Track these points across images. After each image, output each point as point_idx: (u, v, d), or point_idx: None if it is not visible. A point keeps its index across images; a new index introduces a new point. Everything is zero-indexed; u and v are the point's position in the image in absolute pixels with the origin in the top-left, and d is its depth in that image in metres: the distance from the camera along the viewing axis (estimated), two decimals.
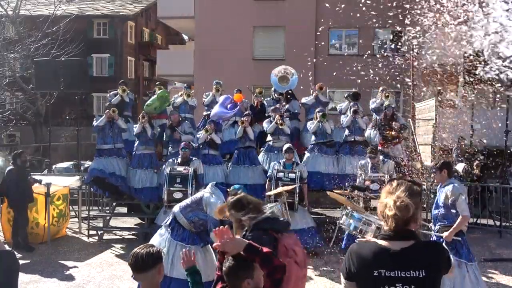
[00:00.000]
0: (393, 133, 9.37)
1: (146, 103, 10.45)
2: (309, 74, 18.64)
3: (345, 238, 7.48)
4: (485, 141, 12.02)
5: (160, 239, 5.12)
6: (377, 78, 13.81)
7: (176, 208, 5.22)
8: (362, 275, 2.25)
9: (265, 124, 9.69)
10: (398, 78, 19.44)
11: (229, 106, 10.07)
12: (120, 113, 9.94)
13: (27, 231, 8.75)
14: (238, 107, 10.04)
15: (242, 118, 9.42)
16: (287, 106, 10.76)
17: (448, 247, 5.05)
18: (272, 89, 11.42)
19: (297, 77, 10.85)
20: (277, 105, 10.32)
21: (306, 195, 8.26)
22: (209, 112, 10.55)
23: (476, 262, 5.23)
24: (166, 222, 5.31)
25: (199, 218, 5.05)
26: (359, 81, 17.06)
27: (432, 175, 5.60)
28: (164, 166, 8.78)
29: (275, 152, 9.39)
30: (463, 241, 5.14)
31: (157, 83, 11.78)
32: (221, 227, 2.60)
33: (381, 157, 8.24)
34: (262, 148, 10.09)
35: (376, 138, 10.14)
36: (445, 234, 5.22)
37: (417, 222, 2.28)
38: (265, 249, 2.52)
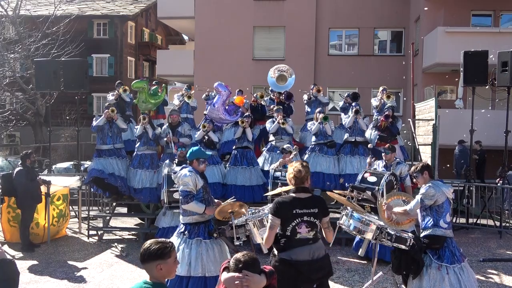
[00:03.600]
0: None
1: (138, 105, 10.35)
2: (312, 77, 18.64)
3: (356, 238, 7.57)
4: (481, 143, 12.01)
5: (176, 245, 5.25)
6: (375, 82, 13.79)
7: (181, 218, 5.48)
8: (286, 213, 3.91)
9: (268, 124, 9.69)
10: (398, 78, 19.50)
11: (227, 107, 9.93)
12: (122, 113, 9.92)
13: (29, 231, 8.76)
14: (238, 115, 9.83)
15: (243, 119, 9.42)
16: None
17: (431, 252, 5.04)
18: (270, 89, 11.42)
19: (294, 76, 10.81)
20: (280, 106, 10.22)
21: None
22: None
23: (462, 264, 5.11)
24: (179, 231, 5.51)
25: (198, 200, 5.26)
26: (365, 83, 17.05)
27: (414, 180, 5.50)
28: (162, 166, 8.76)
29: (277, 152, 9.37)
30: (446, 244, 5.05)
31: (154, 82, 11.72)
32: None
33: (397, 159, 7.84)
34: (264, 148, 10.09)
35: (374, 138, 10.12)
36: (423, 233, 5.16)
37: (308, 182, 4.05)
38: (267, 267, 2.86)
